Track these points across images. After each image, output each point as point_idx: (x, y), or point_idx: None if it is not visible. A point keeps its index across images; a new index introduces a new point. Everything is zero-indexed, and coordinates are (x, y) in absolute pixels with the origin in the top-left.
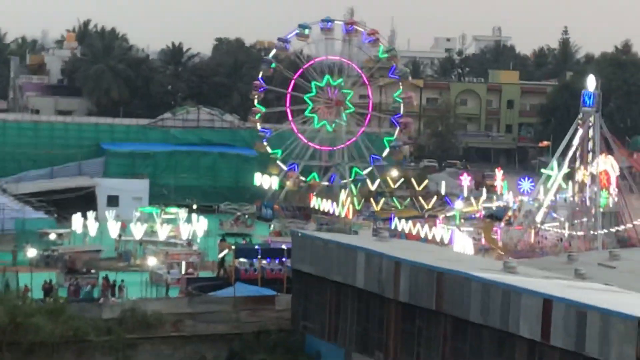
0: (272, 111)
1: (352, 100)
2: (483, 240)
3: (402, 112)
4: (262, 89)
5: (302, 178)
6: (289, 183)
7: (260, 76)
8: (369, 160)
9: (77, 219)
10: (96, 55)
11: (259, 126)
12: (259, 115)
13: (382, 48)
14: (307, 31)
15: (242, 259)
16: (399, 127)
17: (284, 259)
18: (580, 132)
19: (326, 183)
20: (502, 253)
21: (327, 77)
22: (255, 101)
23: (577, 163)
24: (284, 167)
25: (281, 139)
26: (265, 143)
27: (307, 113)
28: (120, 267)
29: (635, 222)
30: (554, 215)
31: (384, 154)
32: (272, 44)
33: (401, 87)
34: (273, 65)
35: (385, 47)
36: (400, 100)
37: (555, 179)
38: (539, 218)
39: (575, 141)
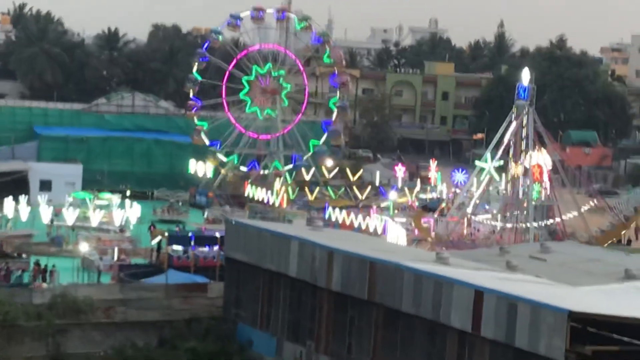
0: (209, 104)
1: (287, 91)
2: (416, 231)
3: (336, 71)
4: (195, 108)
5: (264, 172)
6: (254, 182)
7: (192, 95)
8: (322, 128)
9: (8, 203)
10: (31, 38)
11: (207, 142)
12: (203, 132)
13: (296, 19)
14: (220, 37)
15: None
16: (338, 87)
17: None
18: (514, 125)
19: (290, 167)
20: (429, 240)
21: (254, 67)
22: (196, 119)
23: (511, 156)
24: (245, 169)
25: (220, 133)
26: (218, 155)
27: (247, 110)
28: (52, 252)
29: (564, 216)
30: (487, 207)
31: (333, 117)
32: (209, 30)
33: (327, 48)
34: (199, 78)
35: (299, 17)
36: (331, 61)
37: (488, 171)
38: (471, 210)
39: (509, 134)
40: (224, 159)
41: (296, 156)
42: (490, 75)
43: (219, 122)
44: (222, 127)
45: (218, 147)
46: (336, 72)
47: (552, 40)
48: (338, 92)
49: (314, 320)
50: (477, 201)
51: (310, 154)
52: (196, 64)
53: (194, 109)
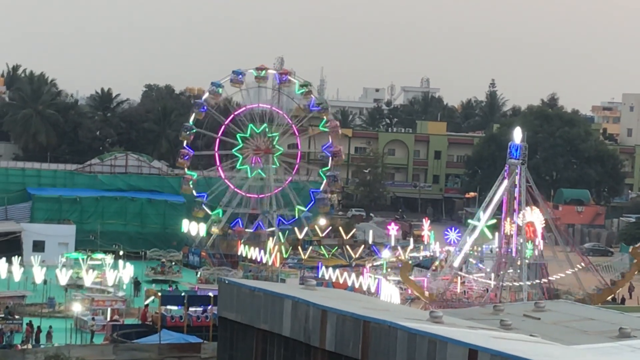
0: (200, 155)
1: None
2: (410, 290)
3: (331, 140)
4: (187, 157)
5: (249, 230)
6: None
7: (185, 144)
8: (309, 195)
9: (1, 264)
10: (25, 99)
11: (194, 192)
12: (191, 182)
13: (297, 84)
14: (220, 90)
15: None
16: (331, 156)
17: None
18: (506, 183)
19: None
20: (418, 295)
21: (250, 125)
22: (186, 169)
23: (503, 214)
24: (228, 224)
25: (209, 186)
26: (204, 207)
27: (238, 166)
28: (45, 313)
29: (557, 275)
30: (480, 265)
31: (322, 187)
32: (202, 90)
33: (325, 117)
34: (195, 127)
35: (300, 82)
36: (327, 130)
37: (480, 229)
38: (464, 268)
39: (501, 193)
40: (210, 212)
41: (260, 223)
42: (482, 134)
43: (215, 186)
44: (214, 184)
45: (205, 198)
46: (330, 141)
47: (543, 99)
48: (330, 160)
49: None
50: (471, 260)
51: (293, 221)
52: (194, 113)
53: (186, 157)
